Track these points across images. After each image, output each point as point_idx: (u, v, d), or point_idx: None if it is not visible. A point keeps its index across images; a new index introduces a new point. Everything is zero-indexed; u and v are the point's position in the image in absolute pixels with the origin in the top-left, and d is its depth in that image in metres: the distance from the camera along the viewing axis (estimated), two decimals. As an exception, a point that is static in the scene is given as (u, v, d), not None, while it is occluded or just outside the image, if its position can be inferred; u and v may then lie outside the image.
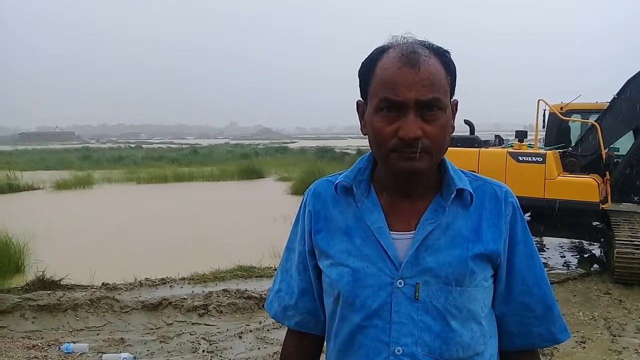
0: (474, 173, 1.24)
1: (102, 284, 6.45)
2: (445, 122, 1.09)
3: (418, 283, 1.10)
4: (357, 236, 1.16)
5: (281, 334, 5.02)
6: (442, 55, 1.10)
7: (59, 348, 4.70)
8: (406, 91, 1.04)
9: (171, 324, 5.39)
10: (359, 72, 1.16)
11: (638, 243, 6.38)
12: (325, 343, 1.29)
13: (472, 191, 1.16)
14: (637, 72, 7.21)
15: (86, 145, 68.91)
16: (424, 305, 1.10)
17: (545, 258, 8.14)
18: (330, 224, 1.21)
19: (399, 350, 1.09)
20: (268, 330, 5.17)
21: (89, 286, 6.35)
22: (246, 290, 6.08)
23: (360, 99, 1.18)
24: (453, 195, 1.14)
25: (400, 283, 1.10)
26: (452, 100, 1.14)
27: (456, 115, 1.18)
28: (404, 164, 1.08)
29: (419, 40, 1.11)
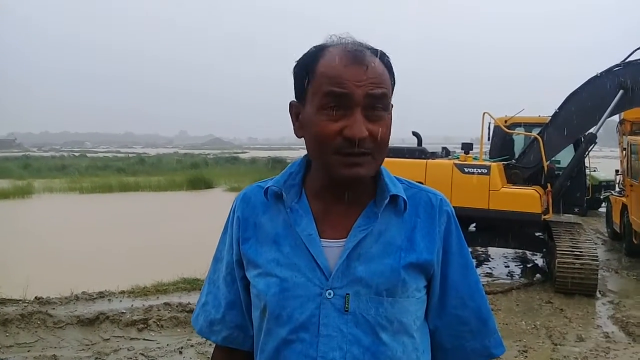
0: (409, 180, 1.20)
1: (35, 297, 6.12)
2: (389, 123, 1.07)
3: (348, 294, 1.05)
4: (286, 244, 1.09)
5: (224, 349, 4.88)
6: (383, 57, 1.07)
7: (-15, 366, 4.42)
8: (354, 86, 1.00)
9: (108, 339, 5.15)
10: (294, 71, 1.10)
11: (578, 253, 6.57)
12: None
13: (406, 198, 1.11)
14: (576, 88, 7.46)
15: (27, 153, 66.40)
16: (353, 317, 1.04)
17: (489, 268, 8.28)
18: (259, 232, 1.14)
19: None
20: (210, 344, 5.00)
21: (20, 300, 6.02)
22: (189, 303, 5.90)
23: (294, 100, 1.12)
24: (386, 202, 1.09)
25: (329, 294, 1.05)
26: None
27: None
28: (346, 170, 1.03)
29: (358, 41, 1.08)
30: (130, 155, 56.76)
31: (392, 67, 1.09)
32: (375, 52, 1.06)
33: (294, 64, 1.11)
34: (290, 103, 1.13)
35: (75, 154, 66.38)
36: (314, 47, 1.09)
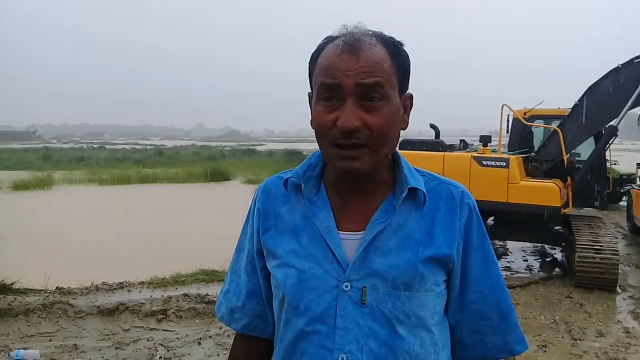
0: (430, 172, 1.18)
1: (57, 288, 6.20)
2: (389, 113, 1.03)
3: (365, 286, 1.04)
4: (305, 236, 1.10)
5: (242, 340, 4.91)
6: (390, 45, 1.05)
7: (9, 354, 4.50)
8: (343, 76, 0.99)
9: (128, 329, 5.21)
10: (310, 61, 1.10)
11: (598, 247, 6.49)
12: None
13: (425, 191, 1.10)
14: (597, 80, 7.35)
15: (47, 145, 67.22)
16: (370, 310, 1.04)
17: (508, 262, 8.21)
18: (279, 223, 1.15)
19: (342, 358, 1.03)
20: (228, 335, 5.04)
21: (42, 290, 6.10)
22: (207, 294, 5.94)
23: (310, 91, 1.12)
24: (404, 194, 1.08)
25: (346, 286, 1.05)
26: (406, 94, 1.09)
27: (411, 112, 1.12)
28: (342, 163, 1.02)
29: (369, 30, 1.06)
30: (148, 147, 57.19)
31: (400, 54, 1.06)
32: (383, 40, 1.05)
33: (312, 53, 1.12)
34: (308, 94, 1.13)
35: (94, 145, 67.10)
36: (324, 38, 1.09)
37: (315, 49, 1.09)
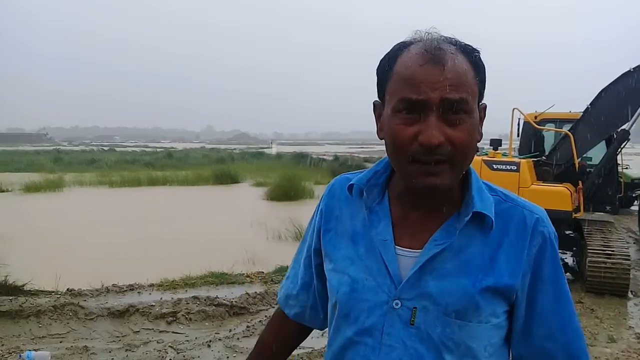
0: (507, 192, 1.10)
1: (67, 289, 6.24)
2: (472, 127, 0.97)
3: (415, 307, 1.00)
4: (362, 245, 1.08)
5: (251, 343, 4.91)
6: (470, 54, 0.99)
7: (20, 356, 4.50)
8: (429, 90, 0.93)
9: (138, 331, 5.23)
10: (377, 69, 1.05)
11: (610, 252, 6.44)
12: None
13: (494, 215, 1.02)
14: (609, 83, 7.31)
15: (58, 147, 67.70)
16: (418, 332, 1.00)
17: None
18: (340, 226, 1.13)
19: None
20: (238, 338, 5.05)
21: (53, 292, 6.14)
22: (217, 297, 5.94)
23: (377, 100, 1.07)
24: (467, 218, 1.01)
25: (396, 304, 1.01)
26: (480, 104, 1.02)
27: (484, 122, 1.05)
28: (422, 179, 0.97)
29: (444, 37, 1.00)
30: (158, 149, 57.44)
31: (479, 63, 1.00)
32: (463, 49, 0.99)
33: (378, 63, 1.05)
34: (374, 102, 1.09)
35: (104, 148, 67.43)
36: (396, 44, 1.03)
37: (386, 55, 1.03)
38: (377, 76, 1.05)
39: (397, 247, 1.05)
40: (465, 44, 1.00)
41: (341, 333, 1.08)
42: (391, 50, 1.02)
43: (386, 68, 1.01)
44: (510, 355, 1.11)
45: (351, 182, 1.12)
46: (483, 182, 1.09)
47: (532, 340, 1.05)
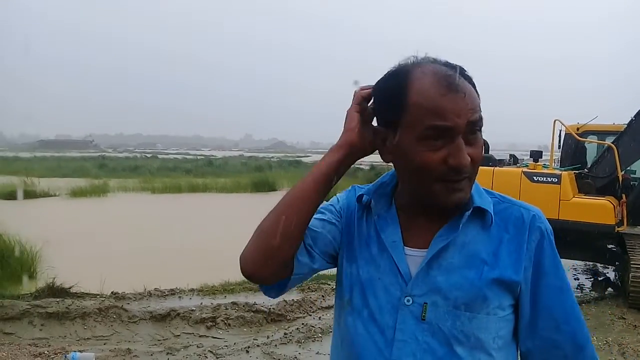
0: (503, 195, 1.18)
1: (112, 293, 6.45)
2: (482, 141, 1.07)
3: (426, 303, 1.06)
4: (375, 247, 1.14)
5: (288, 350, 4.99)
6: (467, 76, 1.06)
7: (65, 357, 4.69)
8: (455, 117, 0.99)
9: (178, 335, 5.37)
10: (380, 98, 1.10)
11: (654, 267, 6.28)
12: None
13: (492, 212, 1.10)
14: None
15: (103, 154, 69.55)
16: (430, 326, 1.05)
17: (558, 280, 8.02)
18: (356, 227, 1.20)
19: None
20: (275, 345, 5.13)
21: (98, 295, 6.36)
22: (255, 303, 6.04)
23: (379, 126, 1.12)
24: (468, 213, 1.09)
25: (408, 300, 1.07)
26: None
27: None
28: (451, 196, 1.04)
29: (436, 59, 1.06)
30: (198, 157, 58.36)
31: (473, 81, 1.07)
32: (460, 71, 1.04)
33: (376, 88, 1.11)
34: (374, 129, 1.13)
35: (147, 155, 68.94)
36: (397, 70, 1.07)
37: (390, 84, 1.07)
38: (383, 105, 1.10)
39: (405, 247, 1.11)
40: (455, 65, 1.05)
41: (353, 328, 1.13)
42: (396, 80, 1.06)
43: (397, 99, 1.04)
44: (519, 353, 1.15)
45: (361, 193, 1.20)
46: (483, 188, 1.17)
47: (539, 333, 1.10)
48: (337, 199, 1.28)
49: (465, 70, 1.06)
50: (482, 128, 1.06)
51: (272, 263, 1.13)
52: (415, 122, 1.02)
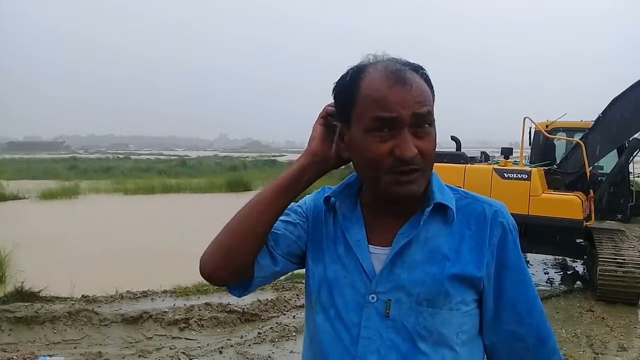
0: (466, 191, 1.19)
1: (82, 296, 6.34)
2: (434, 137, 1.08)
3: (390, 300, 1.07)
4: (341, 246, 1.16)
5: (262, 349, 4.98)
6: (421, 72, 1.08)
7: (35, 361, 4.62)
8: (400, 108, 1.01)
9: (151, 337, 5.32)
10: (335, 94, 1.13)
11: (621, 261, 6.43)
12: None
13: (453, 208, 1.12)
14: (621, 92, 7.30)
15: (74, 155, 68.38)
16: (394, 323, 1.07)
17: (529, 275, 8.15)
18: (323, 230, 1.21)
19: None
20: (249, 345, 5.11)
21: (68, 298, 6.25)
22: (229, 304, 6.01)
23: (337, 122, 1.15)
24: (429, 209, 1.10)
25: (372, 298, 1.09)
26: None
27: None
28: (400, 189, 1.05)
29: (395, 58, 1.09)
30: (172, 157, 57.80)
31: (430, 80, 1.09)
32: (414, 68, 1.07)
33: (334, 85, 1.13)
34: (337, 125, 1.15)
35: (119, 156, 67.98)
36: (353, 68, 1.10)
37: (345, 80, 1.10)
38: (338, 100, 1.13)
39: (370, 245, 1.13)
40: (414, 63, 1.09)
41: (320, 329, 1.14)
42: (349, 74, 1.10)
43: (349, 93, 1.08)
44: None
45: (327, 195, 1.22)
46: (445, 184, 1.18)
47: (502, 326, 1.12)
48: (305, 200, 1.30)
49: (423, 69, 1.09)
50: (434, 123, 1.08)
51: (230, 264, 1.15)
52: (363, 114, 1.05)
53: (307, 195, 1.31)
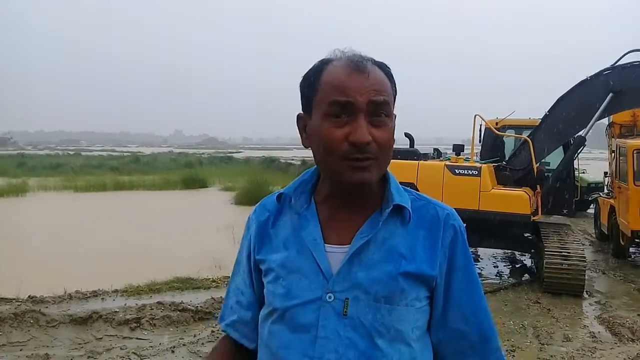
0: (418, 193, 1.23)
1: (29, 296, 6.15)
2: (392, 129, 1.11)
3: (347, 298, 1.08)
4: (294, 248, 1.15)
5: (215, 347, 4.93)
6: (384, 68, 1.12)
7: (-22, 365, 4.46)
8: (357, 94, 1.04)
9: (101, 338, 5.20)
10: (301, 84, 1.15)
11: (566, 254, 6.66)
12: None
13: (410, 209, 1.14)
14: (566, 91, 7.56)
15: (22, 151, 66.17)
16: (351, 321, 1.07)
17: (479, 268, 8.35)
18: (273, 238, 1.20)
19: None
20: (202, 343, 5.07)
21: (14, 299, 6.05)
22: (182, 302, 5.94)
23: (301, 112, 1.17)
24: (389, 210, 1.12)
25: (329, 297, 1.08)
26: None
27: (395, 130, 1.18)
28: (354, 175, 1.07)
29: (360, 54, 1.12)
30: (125, 154, 56.66)
31: (393, 77, 1.13)
32: (377, 63, 1.11)
33: (301, 79, 1.16)
34: (297, 115, 1.17)
35: (70, 152, 66.20)
36: (318, 61, 1.14)
37: (310, 71, 1.14)
38: (302, 90, 1.15)
39: (326, 244, 1.13)
40: (379, 60, 1.13)
41: (276, 335, 1.13)
42: (314, 66, 1.13)
43: (312, 82, 1.11)
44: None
45: (280, 192, 1.22)
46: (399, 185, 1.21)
47: (448, 324, 1.15)
48: (248, 225, 1.28)
49: (387, 66, 1.13)
50: (392, 115, 1.10)
51: None
52: (322, 100, 1.08)
53: (250, 215, 1.29)
